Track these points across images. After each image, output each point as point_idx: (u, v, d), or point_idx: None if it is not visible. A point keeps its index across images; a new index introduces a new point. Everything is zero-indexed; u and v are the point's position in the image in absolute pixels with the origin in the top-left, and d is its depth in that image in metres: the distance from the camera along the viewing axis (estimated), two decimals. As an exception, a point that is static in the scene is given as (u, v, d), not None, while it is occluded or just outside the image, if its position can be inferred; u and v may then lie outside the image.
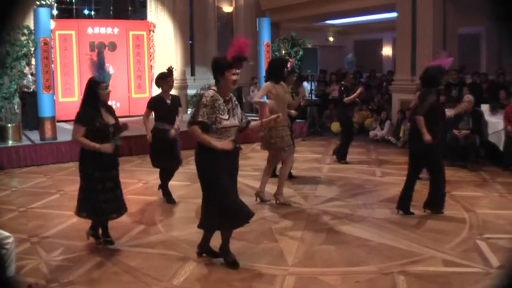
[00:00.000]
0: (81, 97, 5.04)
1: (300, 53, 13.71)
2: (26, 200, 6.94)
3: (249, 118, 4.73)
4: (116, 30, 13.76)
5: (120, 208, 4.99)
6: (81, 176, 4.89)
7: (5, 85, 9.35)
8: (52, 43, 10.40)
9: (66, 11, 15.35)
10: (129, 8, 16.48)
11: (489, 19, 12.80)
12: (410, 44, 11.49)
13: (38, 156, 9.47)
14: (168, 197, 6.68)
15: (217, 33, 15.82)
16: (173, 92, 6.74)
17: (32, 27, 9.62)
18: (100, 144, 4.68)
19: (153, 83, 12.32)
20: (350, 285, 4.21)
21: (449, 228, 5.53)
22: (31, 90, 11.20)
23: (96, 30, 13.49)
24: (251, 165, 8.64)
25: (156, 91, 7.09)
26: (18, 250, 4.65)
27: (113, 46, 13.61)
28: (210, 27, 15.71)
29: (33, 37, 9.49)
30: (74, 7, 15.25)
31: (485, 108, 9.24)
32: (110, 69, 5.14)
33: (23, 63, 9.66)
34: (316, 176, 8.15)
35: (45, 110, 9.80)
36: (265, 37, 12.47)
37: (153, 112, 6.54)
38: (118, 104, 13.08)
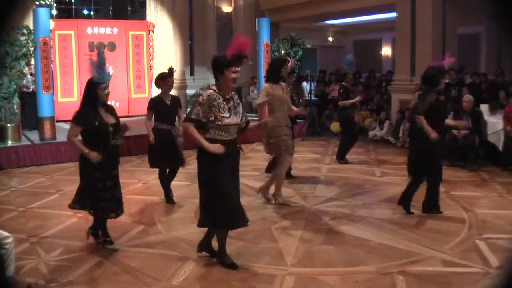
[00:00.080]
0: (81, 97, 5.04)
1: (300, 53, 13.72)
2: (25, 200, 6.94)
3: (249, 118, 4.73)
4: (115, 30, 13.76)
5: (118, 208, 4.98)
6: (81, 175, 4.88)
7: (4, 85, 9.35)
8: (51, 43, 10.41)
9: (66, 11, 15.33)
10: (129, 8, 16.45)
11: (488, 19, 12.82)
12: (410, 44, 11.49)
13: (37, 156, 9.46)
14: (168, 197, 6.68)
15: (217, 33, 15.81)
16: (172, 92, 6.71)
17: (31, 27, 9.63)
18: (88, 150, 4.69)
19: (152, 83, 12.29)
20: (349, 285, 4.21)
21: (448, 228, 5.53)
22: (31, 90, 11.19)
23: (96, 30, 13.49)
24: (251, 165, 8.65)
25: (156, 91, 7.09)
26: (18, 250, 4.64)
27: (112, 46, 13.61)
28: (210, 27, 15.70)
29: (32, 37, 9.49)
30: (73, 7, 15.22)
31: (484, 108, 9.24)
32: (110, 70, 5.11)
33: (23, 63, 9.67)
34: (316, 176, 8.15)
35: (45, 110, 9.80)
36: (265, 37, 12.47)
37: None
38: (117, 104, 13.06)
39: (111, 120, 4.83)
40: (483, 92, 11.18)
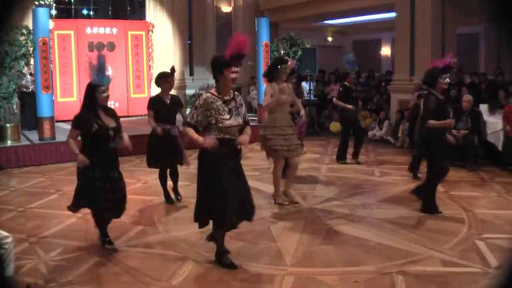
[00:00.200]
0: (82, 100, 5.03)
1: (299, 53, 13.72)
2: (24, 200, 6.94)
3: (249, 119, 4.70)
4: (114, 30, 13.76)
5: (116, 209, 4.93)
6: (78, 175, 4.87)
7: (4, 85, 9.35)
8: (51, 43, 10.41)
9: (65, 11, 15.32)
10: (128, 8, 16.43)
11: (488, 19, 12.82)
12: (409, 44, 11.50)
13: (37, 156, 9.47)
14: (167, 197, 6.68)
15: (216, 33, 15.81)
16: (171, 92, 6.69)
17: (31, 27, 9.62)
18: (78, 152, 4.70)
19: (152, 83, 12.25)
20: (348, 285, 4.22)
21: (447, 228, 5.54)
22: (30, 90, 11.19)
23: (95, 30, 13.49)
24: (250, 165, 8.65)
25: (155, 91, 7.07)
26: (17, 250, 4.64)
27: (111, 46, 13.61)
28: (209, 27, 15.70)
29: (31, 37, 9.49)
30: (73, 7, 15.20)
31: (484, 108, 9.24)
32: (110, 71, 5.09)
33: (22, 63, 9.66)
34: (315, 176, 8.15)
35: (44, 110, 9.79)
36: (264, 37, 12.48)
37: None
38: (117, 104, 13.07)
39: (111, 123, 4.81)
40: (483, 92, 11.19)
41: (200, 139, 4.30)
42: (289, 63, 6.58)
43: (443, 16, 11.24)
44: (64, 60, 13.01)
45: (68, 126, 10.81)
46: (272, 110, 6.33)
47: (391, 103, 12.17)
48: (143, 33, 14.25)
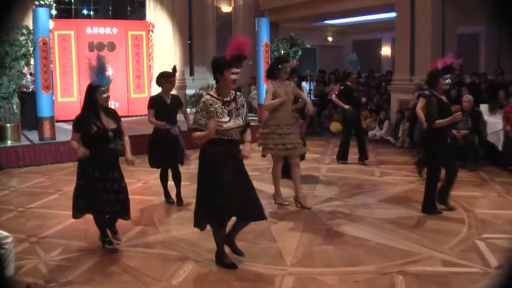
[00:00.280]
0: (82, 100, 5.03)
1: (299, 53, 13.72)
2: (25, 200, 6.94)
3: (249, 120, 4.68)
4: (115, 30, 13.77)
5: (122, 210, 4.90)
6: (78, 176, 4.86)
7: (4, 85, 9.35)
8: (51, 43, 10.42)
9: (65, 11, 15.33)
10: (128, 8, 16.45)
11: (488, 19, 12.82)
12: (409, 44, 11.50)
13: (37, 156, 9.47)
14: (167, 197, 6.68)
15: (216, 33, 15.83)
16: (172, 92, 6.68)
17: (31, 27, 9.62)
18: (78, 146, 4.70)
19: (152, 82, 12.23)
20: (348, 285, 4.22)
21: (447, 228, 5.53)
22: (30, 90, 11.19)
23: (95, 30, 13.49)
24: (251, 165, 8.62)
25: (155, 91, 7.06)
26: (17, 250, 4.64)
27: (112, 46, 13.61)
28: (209, 27, 15.71)
29: (32, 37, 9.49)
30: (73, 7, 15.22)
31: (484, 108, 9.24)
32: (110, 71, 5.08)
33: (22, 63, 9.66)
34: (315, 176, 8.15)
35: (44, 110, 9.79)
36: (264, 37, 12.47)
37: None
38: (117, 104, 13.09)
39: (111, 125, 4.79)
40: (483, 92, 11.19)
41: (206, 131, 4.24)
42: (290, 62, 6.54)
43: (443, 16, 11.24)
44: (64, 60, 13.02)
45: (68, 126, 10.82)
46: (274, 109, 6.27)
47: (391, 103, 12.17)
48: (143, 33, 14.26)
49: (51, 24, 11.04)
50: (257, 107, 13.01)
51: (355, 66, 9.07)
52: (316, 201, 6.68)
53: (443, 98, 5.97)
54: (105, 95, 4.75)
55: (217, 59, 4.38)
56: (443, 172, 6.09)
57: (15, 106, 9.68)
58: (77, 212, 4.92)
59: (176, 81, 7.04)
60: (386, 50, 19.70)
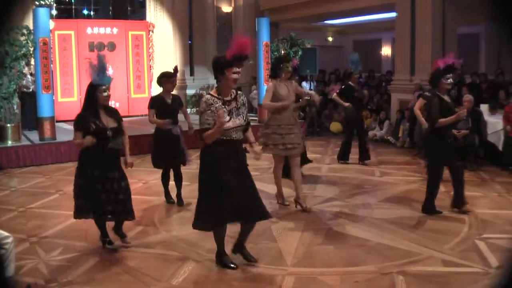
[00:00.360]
0: (83, 99, 5.02)
1: (299, 53, 13.72)
2: (25, 200, 6.94)
3: (250, 119, 4.67)
4: (115, 30, 13.76)
5: (124, 212, 4.89)
6: (76, 176, 4.86)
7: (4, 85, 9.35)
8: (51, 43, 10.41)
9: (65, 11, 15.34)
10: (128, 8, 16.47)
11: (488, 19, 12.82)
12: (409, 44, 11.50)
13: (37, 156, 9.47)
14: (168, 197, 6.68)
15: (216, 33, 15.83)
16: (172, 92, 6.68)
17: (31, 27, 9.62)
18: (81, 140, 4.67)
19: (153, 82, 12.21)
20: (349, 285, 4.22)
21: (448, 228, 5.53)
22: (30, 90, 11.19)
23: (95, 30, 13.49)
24: (251, 165, 8.58)
25: (156, 91, 7.05)
26: (17, 250, 4.64)
27: (112, 46, 13.61)
28: (209, 27, 15.72)
29: (32, 37, 9.49)
30: (73, 7, 15.23)
31: (484, 108, 9.23)
32: (110, 71, 5.08)
33: (22, 63, 9.66)
34: (315, 176, 8.15)
35: (44, 110, 9.79)
36: (264, 37, 12.47)
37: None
38: (117, 104, 13.05)
39: (111, 123, 4.79)
40: (483, 92, 11.19)
41: (216, 125, 4.18)
42: (291, 62, 6.52)
43: (444, 16, 11.24)
44: (64, 60, 13.02)
45: (68, 126, 10.82)
46: (274, 110, 6.25)
47: (392, 103, 12.17)
48: (144, 33, 14.25)
49: (52, 24, 11.05)
50: (257, 107, 13.01)
51: (357, 66, 9.07)
52: (316, 201, 6.68)
53: (446, 97, 5.96)
54: (105, 93, 4.75)
55: (218, 59, 4.37)
56: (447, 172, 6.08)
57: (15, 106, 9.68)
58: (79, 213, 4.92)
59: (177, 81, 7.04)
60: (386, 50, 19.70)
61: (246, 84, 14.91)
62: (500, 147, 8.59)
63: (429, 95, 6.05)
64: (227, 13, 16.20)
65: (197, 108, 14.70)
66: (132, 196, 5.03)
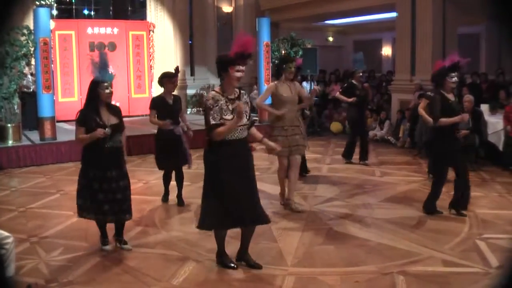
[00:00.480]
0: (84, 97, 5.02)
1: (300, 53, 13.71)
2: (25, 200, 6.94)
3: (254, 119, 4.65)
4: (115, 30, 13.76)
5: (121, 211, 4.87)
6: (80, 177, 4.86)
7: (4, 85, 9.35)
8: (51, 43, 10.41)
9: (66, 11, 15.36)
10: (129, 8, 16.48)
11: (488, 19, 12.82)
12: (410, 44, 11.49)
13: (37, 156, 9.47)
14: (165, 197, 6.69)
15: (217, 33, 15.83)
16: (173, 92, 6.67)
17: (31, 27, 9.62)
18: (89, 136, 4.66)
19: (153, 83, 12.21)
20: (349, 285, 4.22)
21: (448, 228, 5.53)
22: (31, 90, 11.20)
23: (96, 30, 13.49)
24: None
25: (156, 91, 7.05)
26: (18, 250, 4.64)
27: (112, 46, 13.61)
28: (210, 27, 15.72)
29: (32, 37, 9.49)
30: (73, 7, 15.25)
31: (484, 108, 9.23)
32: (111, 69, 5.07)
33: (23, 63, 9.67)
34: (316, 176, 8.15)
35: (45, 110, 9.80)
36: (265, 37, 12.48)
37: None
38: (118, 104, 13.04)
39: (112, 120, 4.79)
40: (484, 92, 11.19)
41: (229, 123, 4.16)
42: (295, 62, 6.48)
43: (444, 16, 11.23)
44: (65, 60, 13.02)
45: (68, 126, 10.83)
46: (278, 109, 6.22)
47: (392, 103, 12.16)
48: (144, 33, 14.25)
49: (52, 24, 11.05)
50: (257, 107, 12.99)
51: (361, 65, 9.06)
52: (317, 201, 6.68)
53: (450, 96, 5.91)
54: (108, 90, 4.74)
55: (222, 56, 4.37)
56: (452, 173, 6.07)
57: (16, 106, 9.68)
58: (81, 213, 4.93)
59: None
60: (386, 50, 19.70)
61: (247, 84, 14.91)
62: (501, 147, 8.59)
63: (432, 94, 6.01)
64: (227, 13, 16.20)
65: (198, 108, 14.78)
66: (132, 196, 5.03)
